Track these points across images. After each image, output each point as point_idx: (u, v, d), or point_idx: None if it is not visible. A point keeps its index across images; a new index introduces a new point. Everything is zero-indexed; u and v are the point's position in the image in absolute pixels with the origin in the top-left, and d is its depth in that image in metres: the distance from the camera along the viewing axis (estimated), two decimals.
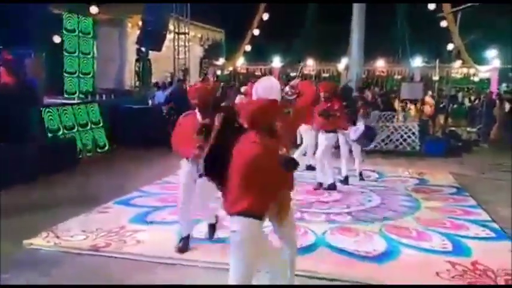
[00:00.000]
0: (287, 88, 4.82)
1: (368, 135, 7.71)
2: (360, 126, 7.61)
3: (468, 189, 7.72)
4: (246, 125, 3.14)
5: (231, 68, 25.81)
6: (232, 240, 3.08)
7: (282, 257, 3.57)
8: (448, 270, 4.44)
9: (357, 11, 14.02)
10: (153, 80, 16.14)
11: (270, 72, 24.02)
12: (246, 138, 3.09)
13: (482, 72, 21.87)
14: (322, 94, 7.10)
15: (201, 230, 5.25)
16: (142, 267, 4.42)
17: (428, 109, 12.54)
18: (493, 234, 5.54)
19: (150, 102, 12.89)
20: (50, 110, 9.44)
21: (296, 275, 3.82)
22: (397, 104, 13.50)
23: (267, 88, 3.49)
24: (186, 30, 17.36)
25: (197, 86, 5.41)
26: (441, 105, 13.26)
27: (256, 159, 2.98)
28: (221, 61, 24.30)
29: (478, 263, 4.60)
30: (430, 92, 14.11)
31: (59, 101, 10.66)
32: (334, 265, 4.51)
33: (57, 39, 12.65)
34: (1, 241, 4.88)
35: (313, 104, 4.46)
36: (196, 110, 4.55)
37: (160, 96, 12.89)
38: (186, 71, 16.77)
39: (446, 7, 18.79)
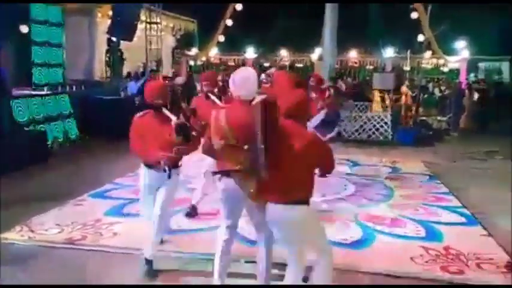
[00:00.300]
0: (263, 76, 4.81)
1: (326, 122, 7.48)
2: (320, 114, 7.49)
3: (440, 177, 7.91)
4: (285, 114, 3.24)
5: (204, 58, 25.61)
6: (307, 220, 3.27)
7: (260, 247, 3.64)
8: (422, 255, 4.56)
9: (330, 4, 14.12)
10: (126, 71, 15.87)
11: (244, 62, 23.97)
12: (298, 129, 3.21)
13: (452, 62, 22.32)
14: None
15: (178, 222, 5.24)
16: (119, 260, 4.39)
17: (404, 98, 12.78)
18: (464, 220, 5.71)
19: (122, 93, 12.66)
20: (19, 102, 9.20)
21: (275, 262, 3.88)
22: (375, 95, 13.66)
23: (244, 78, 3.48)
24: (158, 20, 17.11)
25: (158, 85, 4.66)
26: (413, 95, 13.50)
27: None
28: (194, 51, 24.07)
29: (450, 248, 4.74)
30: (406, 82, 14.36)
31: (27, 92, 10.39)
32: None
33: (24, 29, 12.28)
34: None
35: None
36: (164, 110, 4.09)
37: (133, 86, 12.70)
38: (159, 62, 16.56)
39: None
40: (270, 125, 3.11)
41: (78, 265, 4.28)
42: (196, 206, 5.57)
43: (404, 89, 13.15)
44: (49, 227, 5.13)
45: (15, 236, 4.87)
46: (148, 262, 4.12)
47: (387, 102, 13.13)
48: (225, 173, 3.38)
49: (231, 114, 3.34)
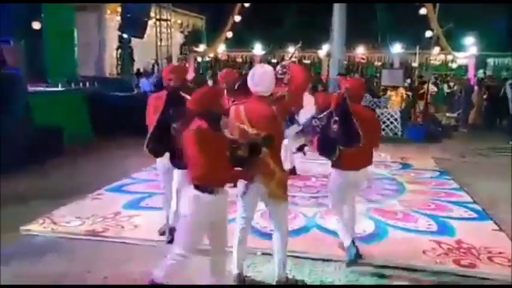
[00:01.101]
0: (278, 67, 4.87)
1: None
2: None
3: (450, 172, 7.99)
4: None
5: (212, 55, 25.70)
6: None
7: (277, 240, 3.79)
8: (434, 249, 4.67)
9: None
10: (136, 67, 16.01)
11: (252, 59, 24.06)
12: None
13: (460, 58, 22.28)
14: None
15: None
16: (141, 251, 4.53)
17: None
18: (475, 215, 5.80)
19: (136, 90, 12.81)
20: (35, 98, 9.36)
21: (290, 255, 4.01)
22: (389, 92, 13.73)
23: (262, 74, 3.61)
24: (168, 17, 17.24)
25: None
26: (421, 92, 13.57)
27: None
28: (202, 48, 24.17)
29: (462, 242, 4.84)
30: (433, 78, 14.64)
31: (42, 88, 10.56)
32: (325, 246, 4.68)
33: (36, 25, 12.45)
34: None
35: (305, 89, 4.53)
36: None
37: (145, 83, 12.85)
38: (169, 58, 16.70)
39: None
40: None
41: (101, 256, 4.43)
42: None
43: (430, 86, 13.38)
44: (70, 219, 5.29)
45: (39, 228, 5.03)
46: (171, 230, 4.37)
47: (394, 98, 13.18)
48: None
49: (251, 109, 3.49)
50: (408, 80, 15.80)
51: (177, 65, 4.37)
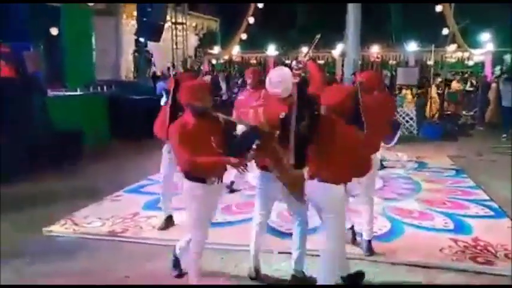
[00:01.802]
0: (294, 62, 4.88)
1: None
2: None
3: (466, 171, 7.96)
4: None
5: (226, 57, 25.83)
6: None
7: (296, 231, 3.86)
8: (451, 247, 4.68)
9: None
10: (158, 71, 16.18)
11: (266, 60, 24.10)
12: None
13: (477, 55, 22.02)
14: None
15: None
16: (160, 251, 4.62)
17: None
18: (492, 213, 5.78)
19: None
20: (54, 102, 9.57)
21: (309, 254, 4.07)
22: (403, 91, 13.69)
23: (280, 77, 3.68)
24: (184, 20, 17.39)
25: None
26: (439, 90, 13.48)
27: None
28: (216, 50, 24.31)
29: (478, 240, 4.85)
30: (457, 77, 14.62)
31: (62, 93, 10.77)
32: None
33: (54, 31, 12.69)
34: (19, 230, 5.07)
35: (323, 87, 4.53)
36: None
37: (161, 86, 12.96)
38: (184, 61, 16.86)
39: None
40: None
41: (121, 256, 4.55)
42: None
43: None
44: (91, 220, 5.43)
45: (61, 229, 5.18)
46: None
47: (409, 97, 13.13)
48: (266, 168, 3.60)
49: (269, 111, 3.57)
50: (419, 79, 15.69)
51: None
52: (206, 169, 3.42)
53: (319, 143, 3.41)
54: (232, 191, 6.50)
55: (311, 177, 3.48)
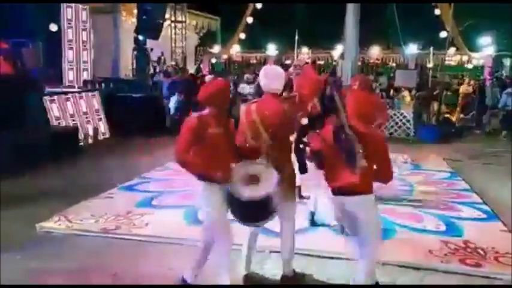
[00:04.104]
0: (291, 69, 4.89)
1: None
2: None
3: (461, 173, 7.99)
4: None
5: (226, 56, 25.86)
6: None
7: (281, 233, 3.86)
8: (441, 249, 4.70)
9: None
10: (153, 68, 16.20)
11: (265, 60, 24.13)
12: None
13: (476, 59, 22.07)
14: None
15: None
16: (151, 248, 4.65)
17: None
18: (484, 216, 5.81)
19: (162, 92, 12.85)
20: (52, 99, 9.59)
21: (298, 253, 4.09)
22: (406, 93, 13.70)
23: (275, 71, 3.70)
24: (183, 19, 17.40)
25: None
26: (435, 93, 13.50)
27: None
28: (216, 49, 24.33)
29: (469, 242, 4.86)
30: (466, 79, 14.79)
31: (59, 89, 10.79)
32: (334, 244, 4.74)
33: (53, 27, 12.71)
34: (12, 225, 5.08)
35: (317, 90, 4.49)
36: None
37: (165, 84, 12.96)
38: (184, 60, 16.88)
39: None
40: None
41: (112, 253, 4.56)
42: None
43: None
44: (84, 217, 5.44)
45: (54, 225, 5.19)
46: None
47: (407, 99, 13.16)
48: None
49: (261, 107, 3.58)
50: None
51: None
52: (192, 169, 3.49)
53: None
54: None
55: (349, 194, 3.32)
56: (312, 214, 5.26)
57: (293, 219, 3.89)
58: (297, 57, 6.20)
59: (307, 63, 4.94)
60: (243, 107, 3.75)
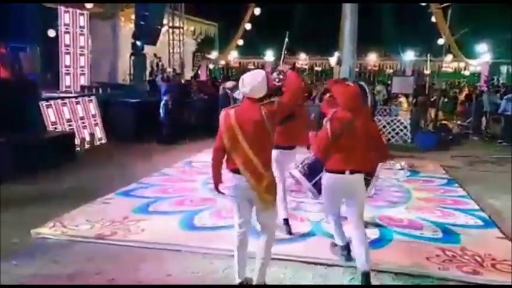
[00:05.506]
0: (274, 74, 4.85)
1: None
2: None
3: (458, 180, 7.99)
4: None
5: (223, 62, 25.91)
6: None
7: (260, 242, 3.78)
8: (438, 256, 4.68)
9: (349, 5, 14.18)
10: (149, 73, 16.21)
11: (263, 66, 24.16)
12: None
13: (473, 66, 22.17)
14: None
15: (201, 220, 5.45)
16: (147, 254, 4.62)
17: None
18: (481, 223, 5.79)
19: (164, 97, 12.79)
20: (49, 104, 9.56)
21: (295, 260, 4.07)
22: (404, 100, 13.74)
23: (253, 76, 3.65)
24: (181, 25, 17.43)
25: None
26: (432, 99, 13.55)
27: None
28: (214, 55, 24.36)
29: (466, 249, 4.85)
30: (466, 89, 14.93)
31: (56, 94, 10.77)
32: (330, 251, 4.71)
33: (51, 33, 12.72)
34: (8, 231, 5.04)
35: (300, 95, 4.41)
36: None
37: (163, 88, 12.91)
38: (181, 65, 16.89)
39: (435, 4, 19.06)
40: None
41: (108, 259, 4.52)
42: None
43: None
44: (80, 223, 5.40)
45: (48, 230, 5.15)
46: None
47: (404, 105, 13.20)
48: (237, 171, 3.59)
49: (240, 113, 3.58)
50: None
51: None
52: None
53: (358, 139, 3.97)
54: None
55: (352, 172, 3.96)
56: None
57: (273, 228, 3.84)
58: (283, 60, 6.16)
59: (291, 68, 4.87)
60: (222, 112, 3.73)
